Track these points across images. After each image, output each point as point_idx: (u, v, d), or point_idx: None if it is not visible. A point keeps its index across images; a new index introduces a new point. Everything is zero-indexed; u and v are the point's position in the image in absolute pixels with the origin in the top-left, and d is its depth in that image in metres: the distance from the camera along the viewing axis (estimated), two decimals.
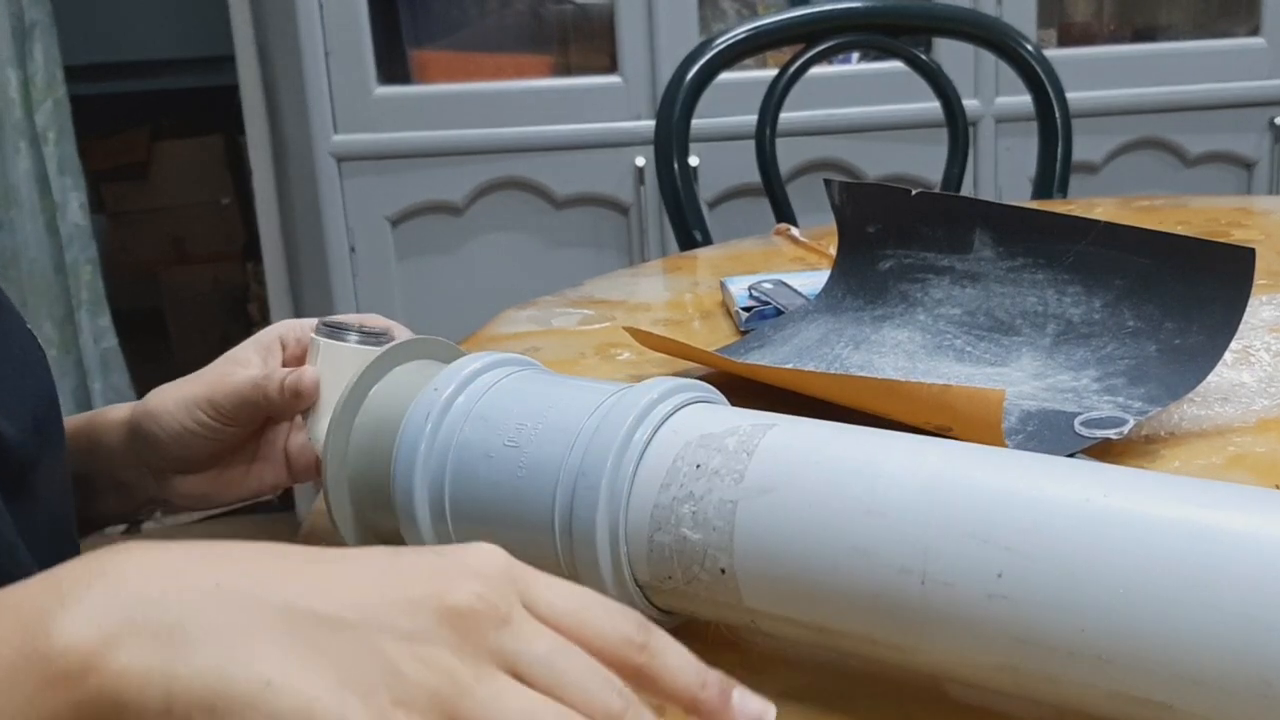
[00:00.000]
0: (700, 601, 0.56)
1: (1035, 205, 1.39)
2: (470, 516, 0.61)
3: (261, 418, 0.75)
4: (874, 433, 0.56)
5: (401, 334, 0.76)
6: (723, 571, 0.54)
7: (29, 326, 0.76)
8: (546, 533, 0.58)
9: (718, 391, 0.63)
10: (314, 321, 0.77)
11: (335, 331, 0.73)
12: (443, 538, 0.62)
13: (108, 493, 0.80)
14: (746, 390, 0.66)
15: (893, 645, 0.51)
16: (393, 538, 0.65)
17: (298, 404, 0.72)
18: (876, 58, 2.24)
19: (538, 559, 0.59)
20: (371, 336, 0.74)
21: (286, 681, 0.39)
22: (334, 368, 0.72)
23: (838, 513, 0.52)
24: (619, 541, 0.57)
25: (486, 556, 0.45)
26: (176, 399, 0.75)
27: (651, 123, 1.71)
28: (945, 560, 0.49)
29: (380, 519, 0.65)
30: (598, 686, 0.43)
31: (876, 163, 2.30)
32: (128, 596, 0.40)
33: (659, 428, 0.58)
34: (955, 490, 0.50)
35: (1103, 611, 0.45)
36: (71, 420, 0.81)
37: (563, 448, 0.58)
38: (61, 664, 0.39)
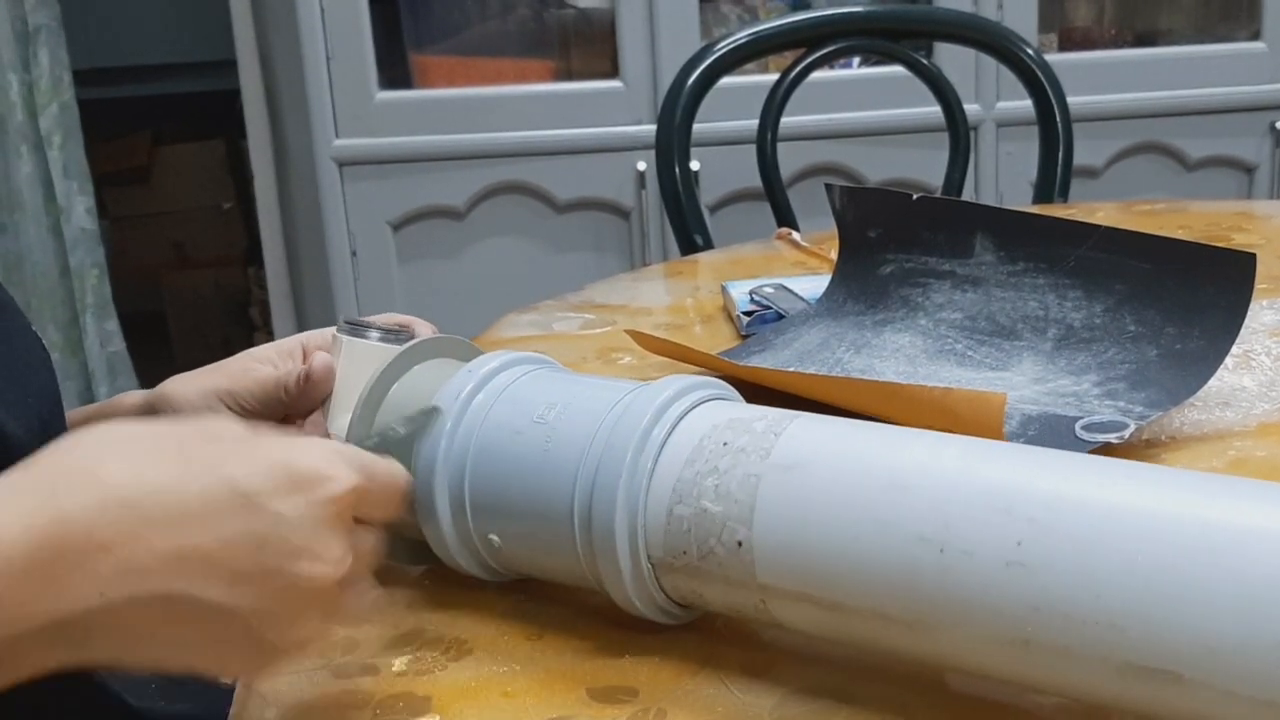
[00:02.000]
0: (712, 580, 0.57)
1: (1036, 210, 1.39)
2: (489, 498, 0.62)
3: (280, 414, 0.76)
4: (899, 428, 0.57)
5: (424, 331, 0.77)
6: (739, 544, 0.55)
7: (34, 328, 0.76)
8: (565, 510, 0.59)
9: (737, 392, 0.63)
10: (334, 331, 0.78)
11: (357, 329, 0.74)
12: (460, 530, 0.63)
13: None
14: (749, 394, 0.67)
15: (905, 621, 0.52)
16: (412, 531, 0.66)
17: (312, 391, 0.73)
18: (877, 62, 2.24)
19: (552, 540, 0.60)
20: (392, 334, 0.74)
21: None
22: (356, 365, 0.73)
23: (861, 487, 0.53)
24: (637, 515, 0.57)
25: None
26: (197, 388, 0.76)
27: (653, 127, 1.71)
28: (966, 530, 0.50)
29: (401, 516, 0.65)
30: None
31: (877, 167, 2.30)
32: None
33: (687, 413, 0.59)
34: (979, 467, 0.52)
35: (1119, 578, 0.46)
36: (85, 409, 0.82)
37: (591, 424, 0.60)
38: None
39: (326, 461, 0.52)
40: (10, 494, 0.48)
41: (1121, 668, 0.47)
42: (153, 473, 0.50)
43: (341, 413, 0.72)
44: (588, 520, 0.58)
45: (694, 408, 0.60)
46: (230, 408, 0.74)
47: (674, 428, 0.59)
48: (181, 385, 0.76)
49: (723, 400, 0.62)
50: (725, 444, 0.57)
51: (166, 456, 0.50)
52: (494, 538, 0.62)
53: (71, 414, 0.80)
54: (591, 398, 0.61)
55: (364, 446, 0.65)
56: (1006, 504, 0.49)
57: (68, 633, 0.48)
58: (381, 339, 0.74)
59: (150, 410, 0.77)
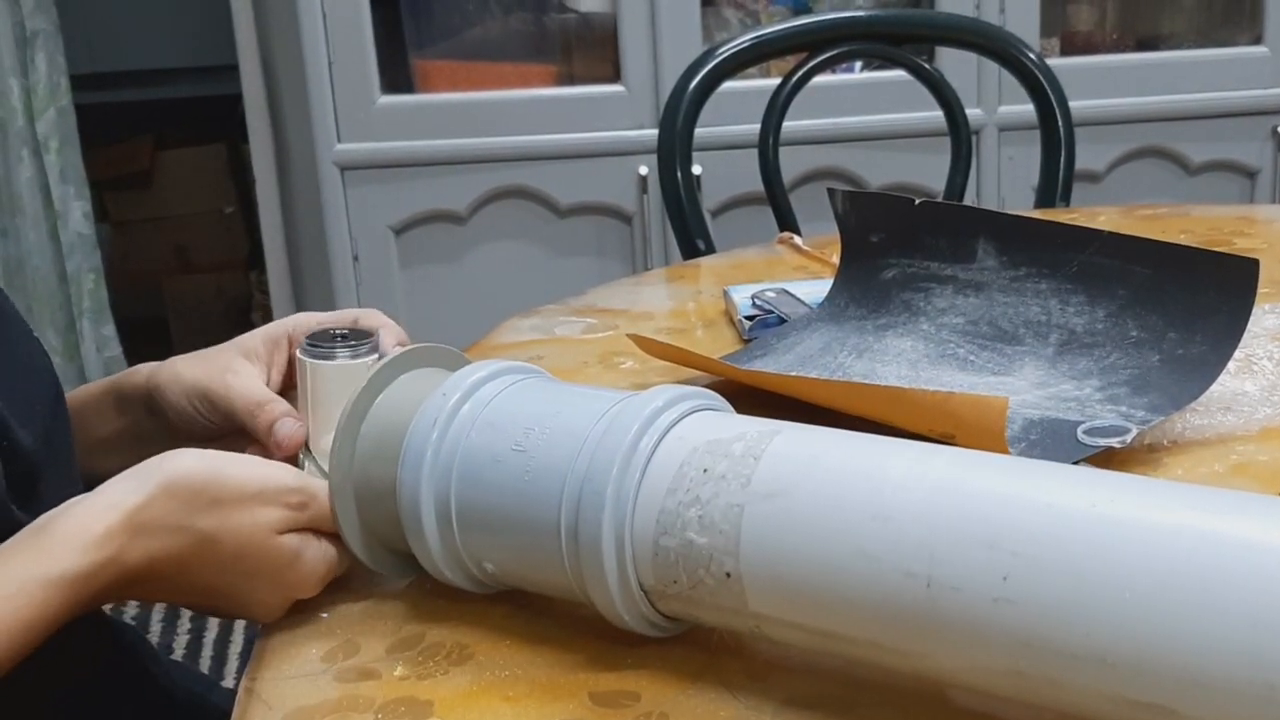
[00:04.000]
0: (705, 607, 0.56)
1: (1038, 214, 1.39)
2: (476, 521, 0.61)
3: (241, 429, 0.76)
4: (880, 439, 0.56)
5: (389, 334, 0.76)
6: (728, 575, 0.54)
7: (35, 335, 0.77)
8: (552, 537, 0.58)
9: (723, 399, 0.63)
10: (322, 316, 0.77)
11: (322, 350, 0.73)
12: (448, 543, 0.63)
13: (143, 443, 0.82)
14: (750, 398, 0.67)
15: (898, 650, 0.51)
16: (398, 544, 0.65)
17: (277, 452, 0.73)
18: (879, 67, 2.24)
19: (542, 563, 0.59)
20: (360, 345, 0.73)
21: None
22: (329, 385, 0.72)
23: (844, 517, 0.52)
24: (625, 546, 0.57)
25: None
26: (181, 384, 0.77)
27: (654, 131, 1.71)
28: (951, 564, 0.49)
29: (386, 527, 0.65)
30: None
31: (880, 172, 2.30)
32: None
33: (666, 434, 0.58)
34: (962, 495, 0.51)
35: (1107, 614, 0.46)
36: (100, 382, 0.84)
37: (570, 452, 0.58)
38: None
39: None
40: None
41: (1115, 700, 0.46)
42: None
43: (324, 433, 0.71)
44: (575, 552, 0.58)
45: (671, 428, 0.59)
46: (204, 409, 0.76)
47: (651, 455, 0.58)
48: (172, 374, 0.78)
49: (701, 412, 0.61)
50: (705, 471, 0.56)
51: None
52: (489, 565, 0.62)
53: (88, 388, 0.83)
54: (568, 420, 0.60)
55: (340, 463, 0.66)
56: (990, 538, 0.49)
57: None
58: (352, 355, 0.73)
59: (148, 394, 0.79)
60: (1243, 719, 0.44)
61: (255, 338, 0.78)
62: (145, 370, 0.80)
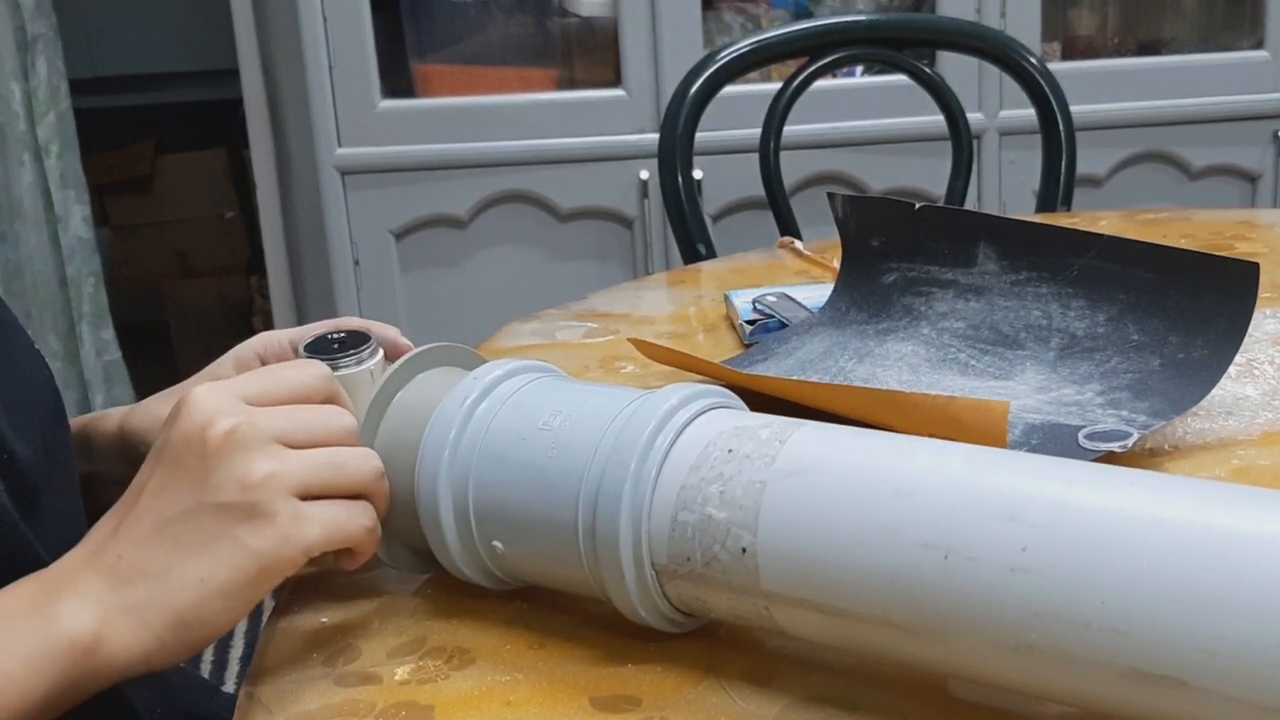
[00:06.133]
0: (715, 586, 0.56)
1: (1039, 218, 1.39)
2: (493, 504, 0.61)
3: None
4: (902, 435, 0.57)
5: (383, 330, 0.76)
6: (744, 550, 0.55)
7: (36, 345, 0.76)
8: (570, 513, 0.59)
9: (741, 400, 0.63)
10: (291, 333, 0.77)
11: (324, 360, 0.72)
12: (464, 537, 0.63)
13: (111, 488, 0.80)
14: (752, 403, 0.67)
15: (909, 627, 0.52)
16: (416, 540, 0.65)
17: None
18: (880, 71, 2.24)
19: (556, 544, 0.59)
20: (359, 351, 0.72)
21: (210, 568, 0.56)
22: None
23: (866, 492, 0.53)
24: (641, 522, 0.57)
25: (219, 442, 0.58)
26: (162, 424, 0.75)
27: (655, 136, 1.71)
28: (970, 536, 0.50)
29: (403, 521, 0.65)
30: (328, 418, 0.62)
31: (880, 176, 2.30)
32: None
33: (692, 421, 0.59)
34: (984, 472, 0.52)
35: (1123, 583, 0.46)
36: (71, 421, 0.81)
37: (597, 431, 0.60)
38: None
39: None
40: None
41: (1125, 673, 0.47)
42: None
43: None
44: (591, 526, 0.58)
45: (698, 415, 0.60)
46: None
47: (679, 435, 0.59)
48: (149, 416, 0.76)
49: (727, 408, 0.62)
50: (730, 451, 0.57)
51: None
52: (497, 544, 0.62)
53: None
54: (597, 405, 0.61)
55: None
56: (1011, 510, 0.50)
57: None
58: (356, 362, 0.72)
59: (123, 438, 0.77)
60: (1254, 689, 0.44)
61: (226, 366, 0.77)
62: (116, 416, 0.79)
